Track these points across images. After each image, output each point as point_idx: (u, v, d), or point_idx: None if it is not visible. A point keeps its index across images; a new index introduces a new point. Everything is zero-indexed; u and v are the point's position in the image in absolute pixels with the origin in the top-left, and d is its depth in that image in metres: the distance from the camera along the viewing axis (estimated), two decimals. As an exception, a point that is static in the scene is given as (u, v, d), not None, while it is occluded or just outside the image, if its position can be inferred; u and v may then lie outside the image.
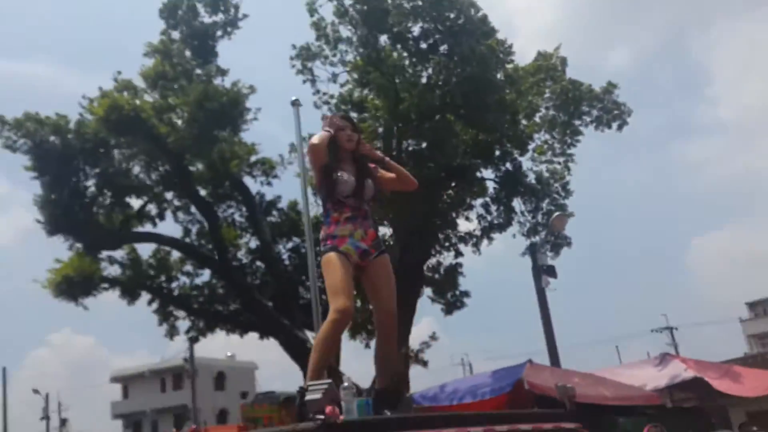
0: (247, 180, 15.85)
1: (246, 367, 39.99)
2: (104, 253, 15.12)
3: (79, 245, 14.27)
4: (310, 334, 14.80)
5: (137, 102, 12.45)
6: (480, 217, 14.71)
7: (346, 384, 3.33)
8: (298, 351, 13.60)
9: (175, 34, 12.99)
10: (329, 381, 2.99)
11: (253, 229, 15.85)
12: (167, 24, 12.94)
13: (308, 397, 2.81)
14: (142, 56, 12.89)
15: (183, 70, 11.97)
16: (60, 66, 73.34)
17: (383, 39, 12.66)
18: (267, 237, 15.28)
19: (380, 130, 13.71)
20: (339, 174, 3.97)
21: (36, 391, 33.94)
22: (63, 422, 37.35)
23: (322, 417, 2.77)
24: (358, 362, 38.91)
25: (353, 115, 14.42)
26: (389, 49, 12.75)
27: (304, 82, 13.19)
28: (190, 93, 11.45)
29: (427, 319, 35.99)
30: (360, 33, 12.33)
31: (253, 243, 16.55)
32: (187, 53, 12.56)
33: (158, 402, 41.20)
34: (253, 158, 15.72)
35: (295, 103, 5.47)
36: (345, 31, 13.15)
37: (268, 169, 16.21)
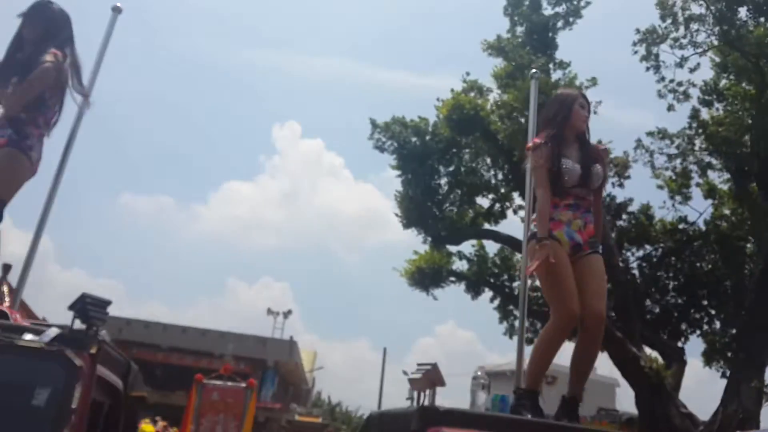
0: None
1: (607, 383, 38.23)
2: (455, 248, 16.07)
3: (428, 239, 15.42)
4: (649, 352, 13.41)
5: (479, 101, 12.89)
6: None
7: (478, 373, 3.02)
8: (629, 368, 12.41)
9: (520, 30, 13.02)
10: (434, 363, 2.73)
11: (598, 233, 15.05)
12: (511, 21, 13.05)
13: (410, 376, 2.66)
14: (487, 56, 13.27)
15: (518, 65, 11.96)
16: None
17: (743, 12, 10.72)
18: (608, 241, 14.31)
19: (749, 121, 11.69)
20: (563, 162, 3.57)
21: (405, 373, 37.89)
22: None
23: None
24: (700, 391, 34.98)
25: (717, 105, 12.65)
26: (754, 24, 10.72)
27: (647, 69, 11.98)
28: (523, 88, 11.39)
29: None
30: (715, 8, 10.62)
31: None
32: (527, 48, 12.50)
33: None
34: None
35: (533, 76, 5.01)
36: (696, 8, 11.54)
37: (620, 169, 15.25)
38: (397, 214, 15.32)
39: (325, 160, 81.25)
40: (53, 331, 2.74)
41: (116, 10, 4.44)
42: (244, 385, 11.88)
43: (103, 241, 65.30)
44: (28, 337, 2.69)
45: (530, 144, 3.85)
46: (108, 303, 2.90)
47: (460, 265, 16.19)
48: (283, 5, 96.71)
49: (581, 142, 3.72)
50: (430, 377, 2.70)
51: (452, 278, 16.01)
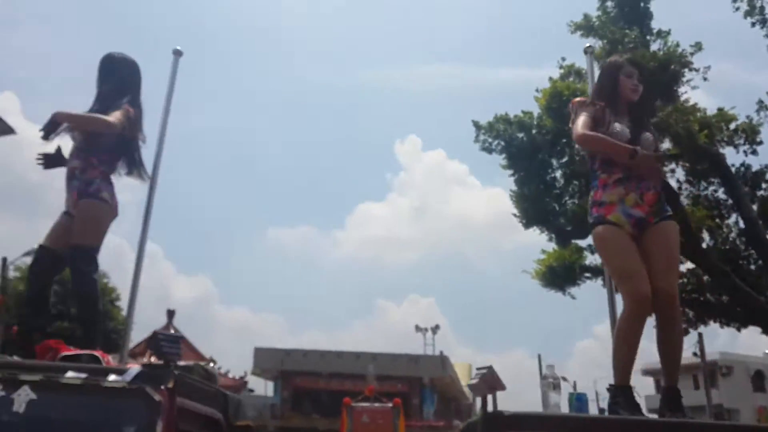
0: (730, 151, 13.96)
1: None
2: (584, 243, 15.37)
3: (552, 235, 14.87)
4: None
5: (578, 86, 12.35)
6: None
7: (545, 373, 2.85)
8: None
9: (611, 5, 12.32)
10: (489, 366, 2.62)
11: (736, 206, 13.86)
12: (600, -1, 12.42)
13: (469, 382, 2.55)
14: (578, 37, 12.64)
15: (611, 41, 11.32)
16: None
17: None
18: (750, 214, 13.12)
19: None
20: (612, 126, 3.38)
21: (564, 379, 36.62)
22: (602, 411, 39.26)
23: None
24: None
25: None
26: None
27: (753, 24, 10.95)
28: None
29: None
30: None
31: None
32: (621, 23, 11.81)
33: (692, 399, 39.34)
34: (732, 125, 13.87)
35: (587, 51, 4.72)
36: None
37: (749, 135, 13.97)
38: (515, 215, 14.91)
39: (449, 169, 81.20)
40: (134, 370, 2.99)
41: (177, 54, 4.76)
42: (391, 405, 12.15)
43: (258, 277, 69.10)
44: (112, 377, 2.96)
45: (576, 99, 3.62)
46: (180, 338, 3.13)
47: (593, 260, 15.47)
48: (379, 22, 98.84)
49: (632, 112, 3.50)
50: (488, 381, 2.63)
51: (587, 274, 15.29)
